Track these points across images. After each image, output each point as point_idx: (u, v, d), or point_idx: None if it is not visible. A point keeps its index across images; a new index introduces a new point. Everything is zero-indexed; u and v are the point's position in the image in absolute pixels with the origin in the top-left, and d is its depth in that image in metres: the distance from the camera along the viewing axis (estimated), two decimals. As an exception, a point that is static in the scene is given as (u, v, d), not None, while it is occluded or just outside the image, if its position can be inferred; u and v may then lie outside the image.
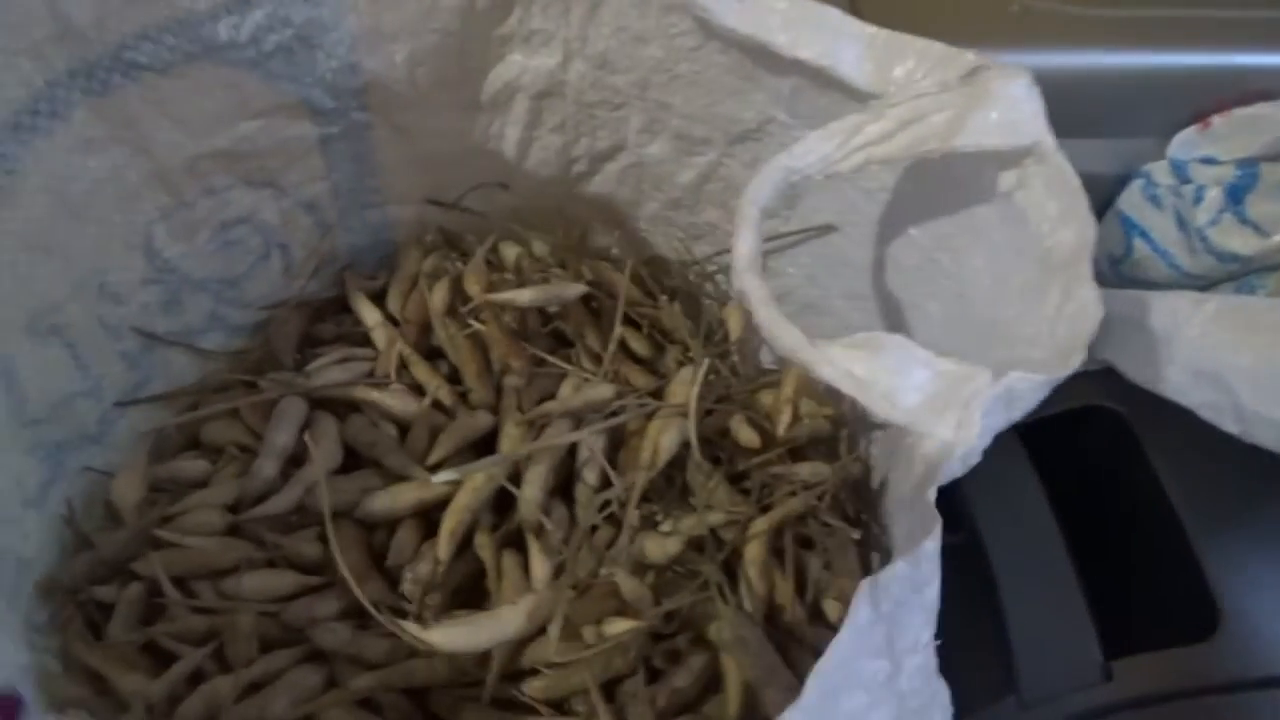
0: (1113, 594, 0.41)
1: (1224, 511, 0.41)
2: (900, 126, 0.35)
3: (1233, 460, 0.41)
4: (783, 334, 0.30)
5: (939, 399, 0.27)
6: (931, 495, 0.25)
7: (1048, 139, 0.34)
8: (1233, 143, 0.47)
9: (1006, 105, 0.34)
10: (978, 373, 0.28)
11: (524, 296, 0.47)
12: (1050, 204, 0.34)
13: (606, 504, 0.40)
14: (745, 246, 0.32)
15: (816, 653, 0.24)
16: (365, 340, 0.53)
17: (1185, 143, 0.48)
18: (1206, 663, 0.39)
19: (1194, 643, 0.40)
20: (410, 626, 0.33)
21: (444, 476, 0.36)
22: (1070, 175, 0.34)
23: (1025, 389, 0.28)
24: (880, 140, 0.35)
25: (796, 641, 0.41)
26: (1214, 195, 0.46)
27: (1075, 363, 0.29)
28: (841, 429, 0.51)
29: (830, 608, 0.43)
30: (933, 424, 0.27)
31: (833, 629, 0.43)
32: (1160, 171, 0.49)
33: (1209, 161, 0.47)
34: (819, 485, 0.44)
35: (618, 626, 0.36)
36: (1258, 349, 0.37)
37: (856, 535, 0.45)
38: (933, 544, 0.24)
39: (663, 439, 0.42)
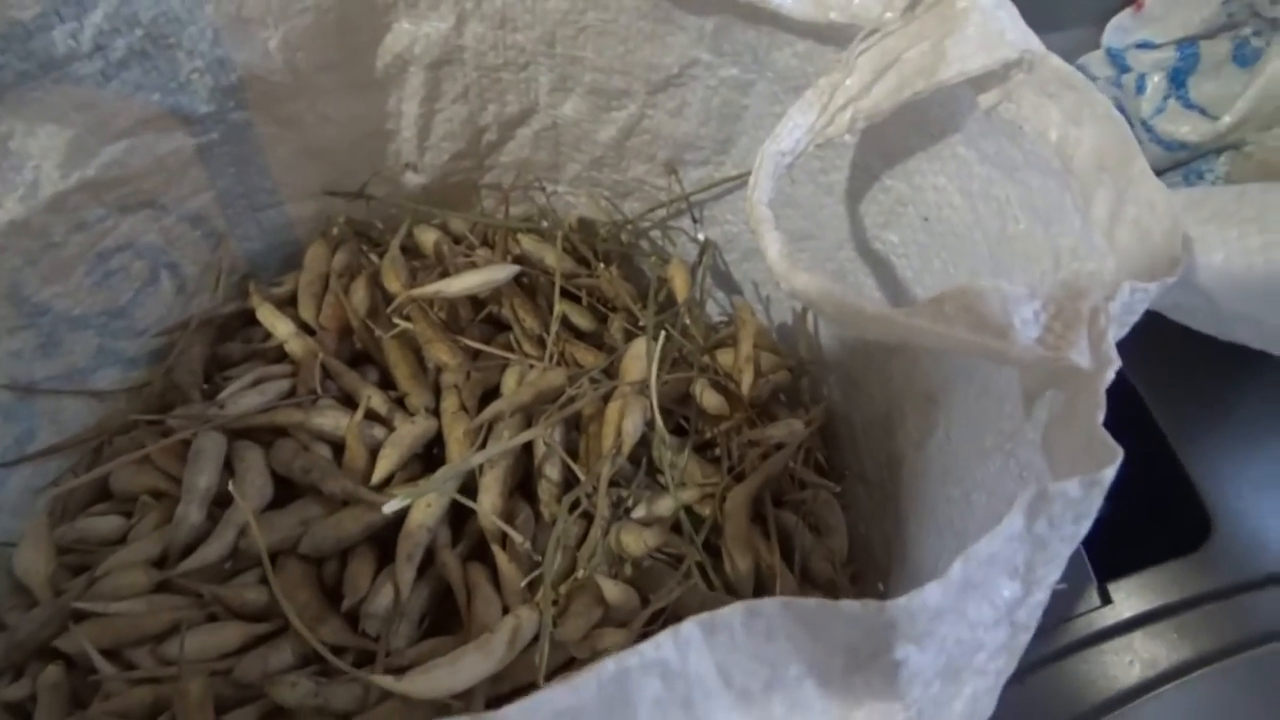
0: (1101, 517, 0.41)
1: (1204, 417, 0.41)
2: (877, 74, 0.33)
3: (1207, 363, 0.40)
4: (874, 319, 0.27)
5: (1058, 324, 0.25)
6: (1099, 425, 0.23)
7: (1035, 45, 0.32)
8: (1168, 23, 0.45)
9: (981, 19, 0.32)
10: (1088, 288, 0.25)
11: (453, 287, 0.44)
12: (1051, 110, 0.32)
13: (576, 504, 0.38)
14: (775, 250, 0.29)
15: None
16: (280, 355, 0.49)
17: (1119, 28, 0.47)
18: (1201, 571, 0.39)
19: (1187, 553, 0.40)
20: (383, 680, 0.29)
21: (394, 505, 0.33)
22: (1071, 75, 0.31)
23: (1138, 299, 0.26)
24: (861, 94, 0.33)
25: (792, 612, 0.40)
26: (1157, 82, 0.45)
27: (1176, 266, 0.27)
28: (802, 377, 0.50)
29: (820, 569, 0.42)
30: (1065, 353, 0.24)
31: (826, 592, 0.42)
32: (1097, 63, 0.47)
33: (1146, 46, 0.45)
34: (794, 444, 0.43)
35: (607, 639, 0.34)
36: (1229, 243, 0.35)
37: (838, 489, 0.43)
38: (1109, 473, 0.21)
39: (626, 422, 0.39)
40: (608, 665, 0.18)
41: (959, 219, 0.41)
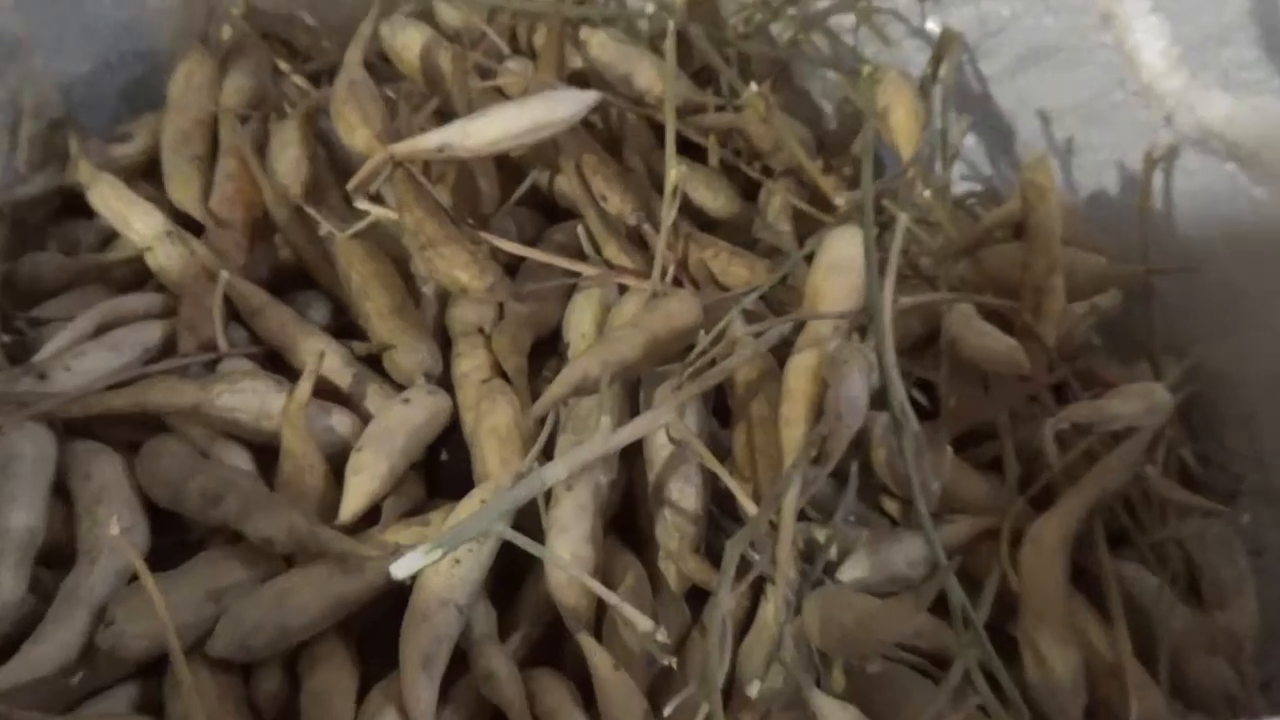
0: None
1: None
2: None
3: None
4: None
5: None
6: None
7: None
8: None
9: None
10: None
11: (472, 137, 0.43)
12: None
13: (744, 563, 0.37)
14: (1159, 46, 0.28)
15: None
16: (139, 276, 0.49)
17: None
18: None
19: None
20: None
21: (404, 567, 0.33)
22: None
23: None
24: None
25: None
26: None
27: None
28: (1149, 299, 0.49)
29: (1206, 672, 0.41)
30: None
31: (1217, 717, 0.41)
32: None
33: None
34: (1151, 430, 0.42)
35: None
36: None
37: (1246, 517, 0.43)
38: None
39: (833, 395, 0.38)
40: None
41: None
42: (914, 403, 0.44)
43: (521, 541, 0.37)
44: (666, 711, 0.36)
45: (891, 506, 0.44)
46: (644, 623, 0.36)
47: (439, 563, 0.39)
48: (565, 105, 0.45)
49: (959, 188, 0.55)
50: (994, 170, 0.54)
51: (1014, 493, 0.42)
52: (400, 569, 0.34)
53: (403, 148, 0.44)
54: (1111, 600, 0.41)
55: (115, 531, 0.37)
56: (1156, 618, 0.41)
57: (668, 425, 0.40)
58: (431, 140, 0.44)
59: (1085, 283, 0.46)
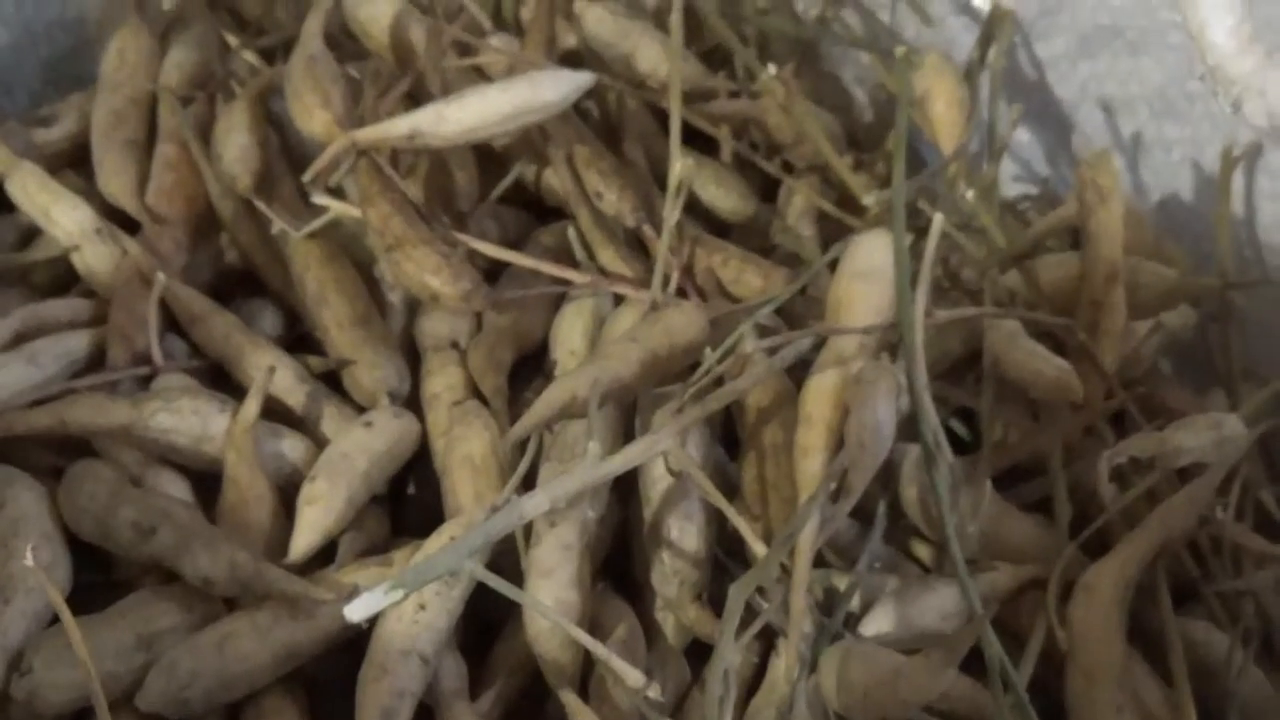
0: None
1: None
2: None
3: None
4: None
5: None
6: None
7: None
8: None
9: None
10: None
11: (448, 124, 0.43)
12: None
13: (749, 612, 0.37)
14: (1227, 22, 0.29)
15: None
16: (63, 278, 0.49)
17: None
18: None
19: None
20: None
21: (359, 610, 0.32)
22: None
23: None
24: None
25: None
26: None
27: None
28: (1226, 319, 0.48)
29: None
30: None
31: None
32: None
33: None
34: (1224, 467, 0.41)
35: None
36: None
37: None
38: None
39: (855, 421, 0.38)
40: None
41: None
42: (951, 433, 0.44)
43: (497, 584, 0.37)
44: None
45: (923, 551, 0.44)
46: (636, 678, 0.36)
47: (401, 605, 0.39)
48: (555, 88, 0.45)
49: (1009, 189, 0.55)
50: (1050, 169, 0.54)
51: (1064, 537, 0.42)
52: (356, 611, 0.33)
53: (367, 134, 0.45)
54: (1174, 660, 0.41)
55: (30, 564, 0.37)
56: (1226, 681, 0.41)
57: (666, 454, 0.39)
58: (401, 126, 0.44)
59: (1151, 298, 0.46)
